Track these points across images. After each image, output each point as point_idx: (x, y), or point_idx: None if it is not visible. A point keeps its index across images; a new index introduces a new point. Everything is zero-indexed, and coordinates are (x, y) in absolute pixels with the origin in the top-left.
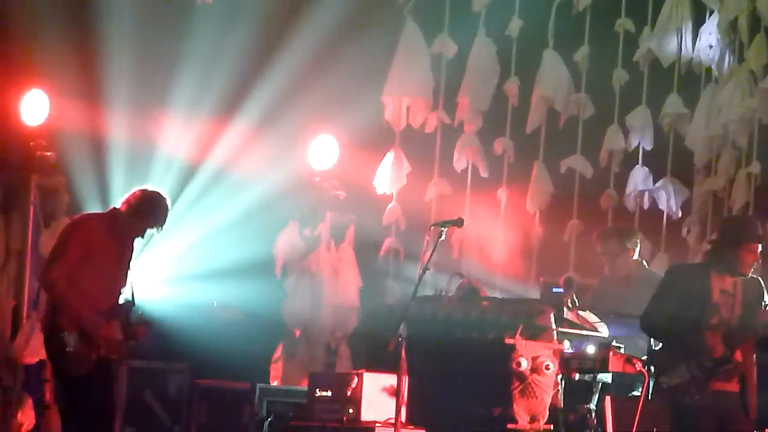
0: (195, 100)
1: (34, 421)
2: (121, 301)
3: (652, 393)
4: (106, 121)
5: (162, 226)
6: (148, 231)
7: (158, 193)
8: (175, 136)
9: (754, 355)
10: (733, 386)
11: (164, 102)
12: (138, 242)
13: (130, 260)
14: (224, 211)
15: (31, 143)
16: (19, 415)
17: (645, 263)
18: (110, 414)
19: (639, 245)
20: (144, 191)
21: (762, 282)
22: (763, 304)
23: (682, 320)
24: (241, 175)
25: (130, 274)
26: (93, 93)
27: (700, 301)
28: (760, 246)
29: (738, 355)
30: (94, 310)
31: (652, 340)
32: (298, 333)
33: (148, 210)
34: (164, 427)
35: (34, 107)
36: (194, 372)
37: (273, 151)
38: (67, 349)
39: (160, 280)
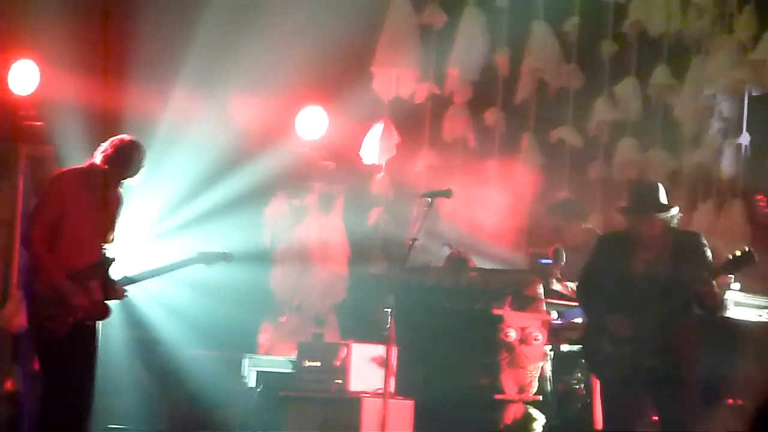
0: (186, 70)
1: (23, 391)
2: (106, 254)
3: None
4: (95, 90)
5: (138, 174)
6: (126, 181)
7: (134, 140)
8: (165, 105)
9: (689, 321)
10: (653, 360)
11: (154, 72)
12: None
13: (115, 212)
14: (213, 182)
15: (21, 113)
16: (8, 385)
17: (598, 231)
18: (91, 379)
19: (584, 215)
20: (120, 140)
21: (701, 237)
22: (704, 260)
23: (602, 294)
24: (230, 146)
25: (116, 226)
26: (82, 62)
27: (619, 273)
28: (661, 215)
29: (656, 330)
30: (72, 270)
31: None
32: (286, 302)
33: (125, 158)
34: (152, 397)
35: (24, 77)
36: (182, 342)
37: (262, 122)
38: (43, 314)
39: (146, 249)
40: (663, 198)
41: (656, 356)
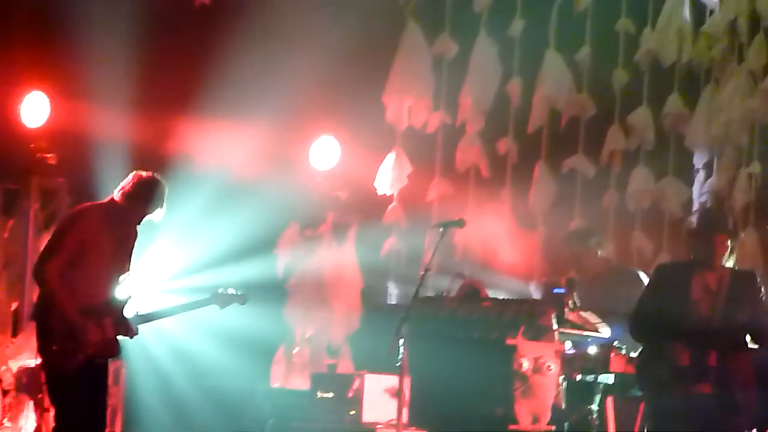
0: (197, 100)
1: (34, 424)
2: (120, 292)
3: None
4: (107, 122)
5: (160, 211)
6: (147, 218)
7: (154, 177)
8: (176, 136)
9: (745, 353)
10: (706, 388)
11: (166, 102)
12: (140, 240)
13: (131, 248)
14: (226, 212)
15: (32, 145)
16: (19, 418)
17: (611, 260)
18: (101, 415)
19: (602, 244)
20: (139, 177)
21: (757, 276)
22: (759, 298)
23: (660, 322)
24: (243, 177)
25: (131, 263)
26: (93, 95)
27: (678, 302)
28: (729, 238)
29: (712, 359)
30: (86, 306)
31: None
32: (299, 333)
33: (145, 195)
34: (166, 429)
35: (35, 109)
36: (197, 373)
37: (274, 152)
38: (54, 348)
39: (160, 282)
40: (730, 224)
41: (712, 385)
